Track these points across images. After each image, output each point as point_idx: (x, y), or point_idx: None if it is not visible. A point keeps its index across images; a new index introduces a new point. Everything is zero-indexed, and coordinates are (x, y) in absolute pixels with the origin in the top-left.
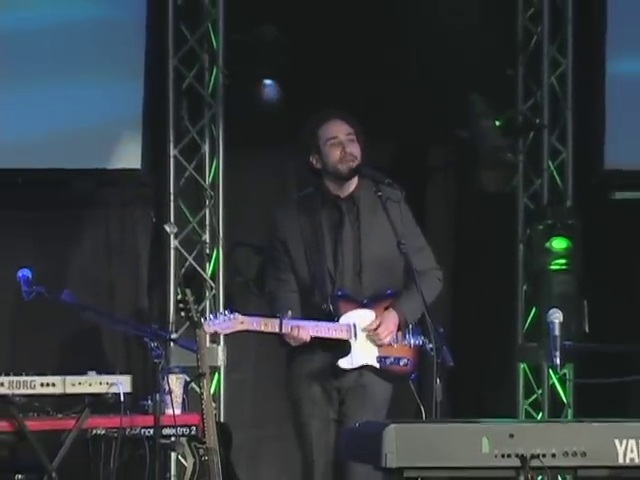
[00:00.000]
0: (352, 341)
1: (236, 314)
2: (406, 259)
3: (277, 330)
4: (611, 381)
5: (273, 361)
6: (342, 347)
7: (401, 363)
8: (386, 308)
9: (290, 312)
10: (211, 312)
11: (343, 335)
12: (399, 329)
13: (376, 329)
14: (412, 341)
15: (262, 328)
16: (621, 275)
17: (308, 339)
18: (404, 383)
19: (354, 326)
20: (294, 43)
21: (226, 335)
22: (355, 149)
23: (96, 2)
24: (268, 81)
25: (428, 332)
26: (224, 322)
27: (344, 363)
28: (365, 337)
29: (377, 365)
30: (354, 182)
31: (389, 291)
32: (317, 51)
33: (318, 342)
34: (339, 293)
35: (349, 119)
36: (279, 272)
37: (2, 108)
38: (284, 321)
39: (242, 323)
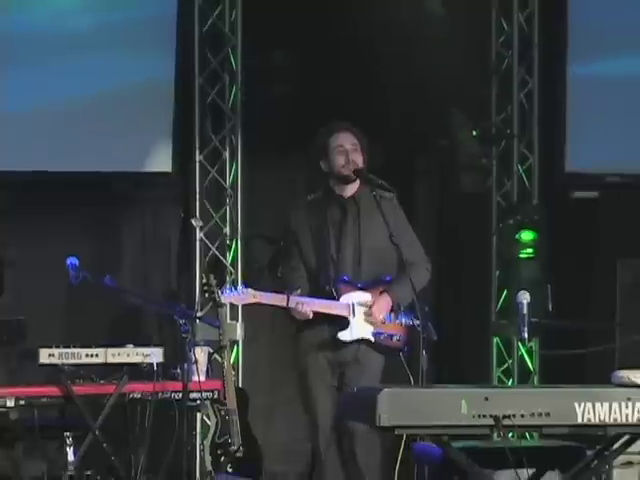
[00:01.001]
0: (350, 318)
1: (249, 289)
2: (397, 250)
3: (284, 304)
4: (571, 352)
5: (284, 336)
6: (342, 323)
7: (393, 339)
8: (381, 292)
9: (299, 290)
10: (228, 287)
11: (343, 312)
12: (392, 310)
13: (371, 308)
14: (404, 320)
15: (271, 302)
16: (579, 262)
17: (311, 315)
18: (396, 356)
19: (353, 305)
20: (304, 65)
21: (243, 307)
22: (357, 157)
23: (132, 37)
24: None
25: (416, 311)
26: (239, 295)
27: (344, 336)
28: (362, 315)
29: (372, 339)
30: (356, 185)
31: (388, 277)
32: (322, 72)
33: (322, 318)
34: (342, 278)
35: (355, 132)
36: (291, 260)
37: (57, 118)
38: (291, 297)
39: (254, 297)
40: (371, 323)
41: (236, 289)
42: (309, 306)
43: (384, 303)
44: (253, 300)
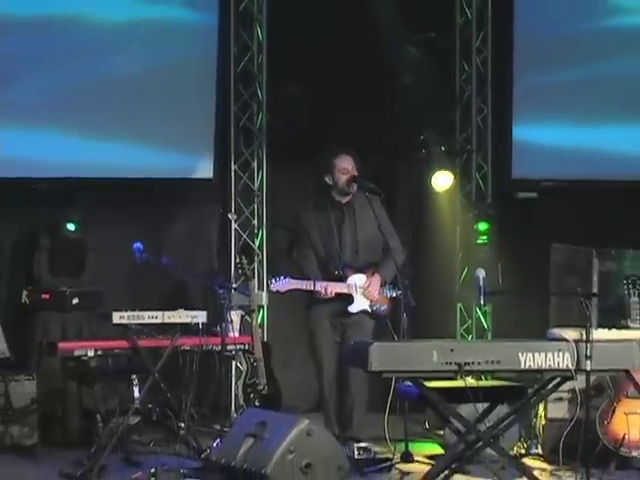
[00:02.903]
0: (354, 294)
1: (289, 278)
2: (384, 238)
3: (312, 288)
4: (515, 315)
5: (298, 303)
6: (347, 298)
7: (382, 309)
8: (372, 273)
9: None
10: (273, 277)
11: (350, 291)
12: (381, 286)
13: (368, 288)
14: (388, 293)
15: (303, 287)
16: (522, 246)
17: (333, 294)
18: (383, 321)
19: (355, 285)
20: (313, 97)
21: (268, 281)
22: (354, 172)
23: (174, 75)
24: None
25: (398, 284)
26: (282, 284)
27: (351, 308)
28: (361, 292)
29: (369, 310)
30: (351, 194)
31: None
32: (328, 103)
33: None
34: (344, 264)
35: (354, 156)
36: (303, 249)
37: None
38: (317, 282)
39: (292, 284)
40: (369, 298)
41: (280, 279)
42: (330, 288)
43: (376, 283)
44: (292, 287)
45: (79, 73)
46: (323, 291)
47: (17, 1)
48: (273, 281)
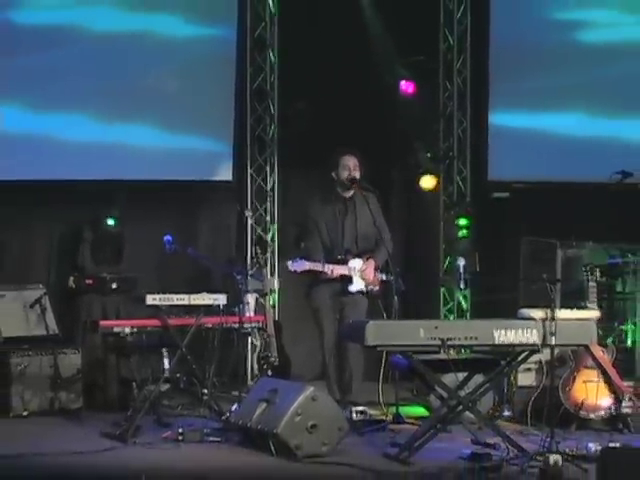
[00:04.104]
0: (354, 276)
1: (304, 260)
2: (379, 230)
3: (321, 269)
4: (490, 297)
5: (304, 286)
6: (348, 279)
7: (374, 290)
8: (368, 258)
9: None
10: (290, 259)
11: (350, 273)
12: (375, 270)
13: (365, 272)
14: (380, 277)
15: (315, 268)
16: (496, 239)
17: (337, 275)
18: (375, 301)
19: (354, 268)
20: (319, 111)
21: (279, 267)
22: (357, 173)
23: (201, 93)
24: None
25: (390, 271)
26: (298, 265)
27: (351, 288)
28: (359, 274)
29: (365, 290)
30: (352, 191)
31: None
32: (333, 116)
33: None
34: (346, 249)
35: (357, 155)
36: (311, 237)
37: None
38: (325, 265)
39: (307, 265)
40: (365, 280)
41: (297, 260)
42: (336, 270)
43: (371, 267)
44: (306, 267)
45: (120, 82)
46: (329, 272)
47: (90, 18)
48: (290, 262)
